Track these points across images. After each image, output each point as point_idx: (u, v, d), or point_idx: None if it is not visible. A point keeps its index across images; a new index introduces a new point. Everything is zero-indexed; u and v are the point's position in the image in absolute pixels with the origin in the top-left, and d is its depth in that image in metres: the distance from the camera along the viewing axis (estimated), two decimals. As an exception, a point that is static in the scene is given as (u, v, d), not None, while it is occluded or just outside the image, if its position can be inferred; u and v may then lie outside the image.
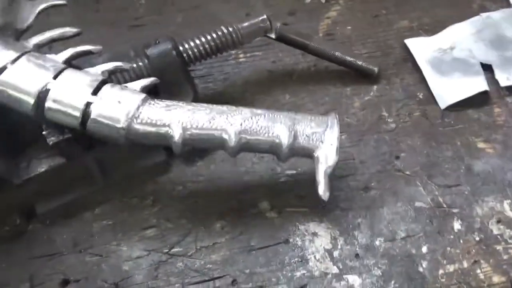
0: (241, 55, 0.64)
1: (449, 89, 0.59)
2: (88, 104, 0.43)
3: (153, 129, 0.44)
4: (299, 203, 0.52)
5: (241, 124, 0.45)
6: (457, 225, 0.51)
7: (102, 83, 0.44)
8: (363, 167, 0.55)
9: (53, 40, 0.48)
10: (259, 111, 0.45)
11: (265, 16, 0.56)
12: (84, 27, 0.49)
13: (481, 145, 0.56)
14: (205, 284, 0.49)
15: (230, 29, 0.56)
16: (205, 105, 0.46)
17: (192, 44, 0.55)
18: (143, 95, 0.45)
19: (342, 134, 0.56)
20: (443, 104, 0.58)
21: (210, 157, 0.56)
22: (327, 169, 0.45)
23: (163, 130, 0.44)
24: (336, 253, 0.50)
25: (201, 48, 0.55)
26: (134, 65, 0.51)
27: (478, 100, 0.58)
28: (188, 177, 0.55)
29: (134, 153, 0.53)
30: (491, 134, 0.56)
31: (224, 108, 0.46)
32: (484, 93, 0.58)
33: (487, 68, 0.60)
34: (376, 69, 0.60)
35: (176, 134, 0.44)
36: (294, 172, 0.54)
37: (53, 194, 0.51)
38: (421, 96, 0.60)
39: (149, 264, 0.50)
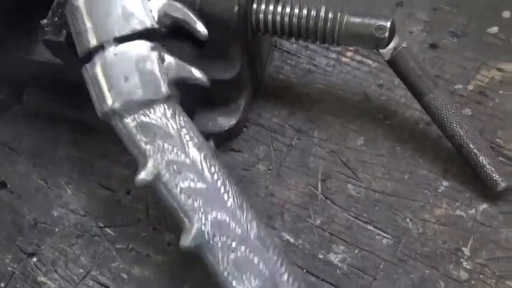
0: (348, 55, 0.45)
1: None
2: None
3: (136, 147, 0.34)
4: None
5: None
6: None
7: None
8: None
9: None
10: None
11: (388, 23, 0.36)
12: None
13: None
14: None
15: (330, 15, 0.37)
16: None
17: (269, 8, 0.37)
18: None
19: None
20: None
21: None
22: None
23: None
24: None
25: (276, 19, 0.38)
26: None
27: None
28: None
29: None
30: None
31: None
32: None
33: None
34: (502, 184, 0.37)
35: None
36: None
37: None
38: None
39: None
